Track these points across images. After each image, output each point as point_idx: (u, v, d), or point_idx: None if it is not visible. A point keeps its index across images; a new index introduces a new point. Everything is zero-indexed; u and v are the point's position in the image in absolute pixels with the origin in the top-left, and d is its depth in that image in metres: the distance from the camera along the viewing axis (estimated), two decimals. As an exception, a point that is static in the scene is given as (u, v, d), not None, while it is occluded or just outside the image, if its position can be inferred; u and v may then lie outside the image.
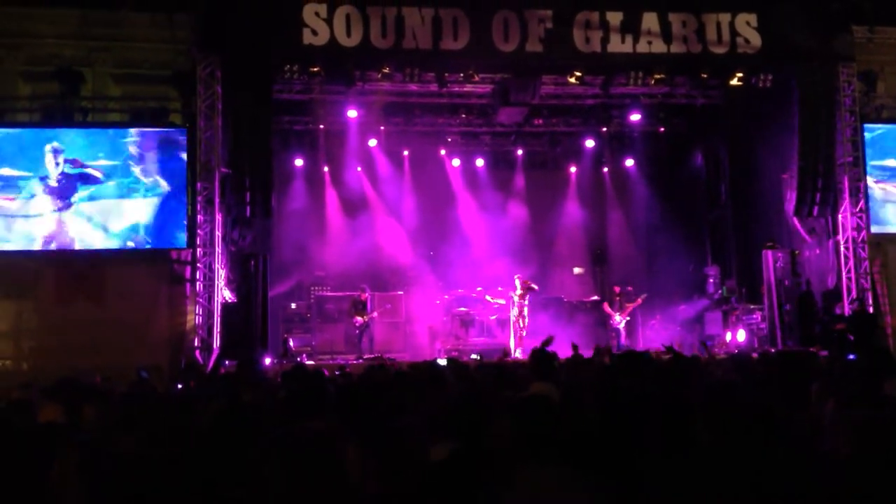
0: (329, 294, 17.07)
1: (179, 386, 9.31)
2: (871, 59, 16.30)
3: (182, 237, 13.78)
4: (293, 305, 16.74)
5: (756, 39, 14.06)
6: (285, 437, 1.90)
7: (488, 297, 16.21)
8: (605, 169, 19.71)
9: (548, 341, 8.61)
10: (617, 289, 16.56)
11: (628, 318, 16.09)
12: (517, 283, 15.67)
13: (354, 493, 1.86)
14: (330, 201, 18.56)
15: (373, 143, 17.90)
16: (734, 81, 14.64)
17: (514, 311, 15.55)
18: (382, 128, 17.50)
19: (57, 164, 13.84)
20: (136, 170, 14.03)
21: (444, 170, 19.01)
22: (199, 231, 13.30)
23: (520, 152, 19.21)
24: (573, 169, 19.57)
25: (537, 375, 5.27)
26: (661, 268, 18.93)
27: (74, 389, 5.30)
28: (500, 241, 18.01)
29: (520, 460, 2.97)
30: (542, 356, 5.66)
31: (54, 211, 13.81)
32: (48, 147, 13.86)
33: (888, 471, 2.30)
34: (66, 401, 4.85)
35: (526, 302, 15.58)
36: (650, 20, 13.91)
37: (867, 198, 14.87)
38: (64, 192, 13.84)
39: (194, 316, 13.21)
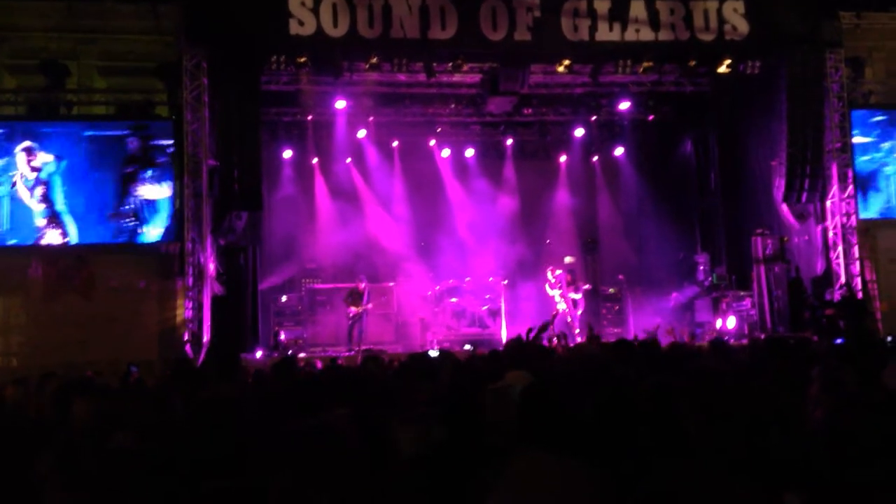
0: (320, 286, 17.03)
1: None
2: (858, 45, 16.35)
3: (170, 230, 13.72)
4: (284, 298, 16.70)
5: (743, 26, 14.06)
6: (301, 430, 1.86)
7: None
8: (595, 158, 19.70)
9: (544, 327, 8.68)
10: (568, 278, 16.51)
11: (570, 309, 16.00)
12: (551, 275, 15.85)
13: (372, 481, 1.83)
14: (319, 193, 18.48)
15: (362, 133, 17.82)
16: (722, 69, 14.63)
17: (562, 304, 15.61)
18: (371, 118, 17.44)
19: (29, 162, 13.77)
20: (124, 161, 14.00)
21: (433, 160, 18.95)
22: (187, 224, 13.22)
23: (509, 142, 19.17)
24: (563, 158, 19.55)
25: (513, 364, 5.25)
26: (652, 255, 18.98)
27: (61, 384, 5.26)
28: (490, 231, 18.01)
29: (515, 448, 2.97)
30: (516, 345, 5.66)
31: (40, 208, 13.78)
32: (18, 148, 13.76)
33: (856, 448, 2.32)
34: (52, 395, 4.82)
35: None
36: (638, 8, 13.89)
37: (855, 183, 14.92)
38: (45, 191, 13.81)
39: (184, 310, 13.15)
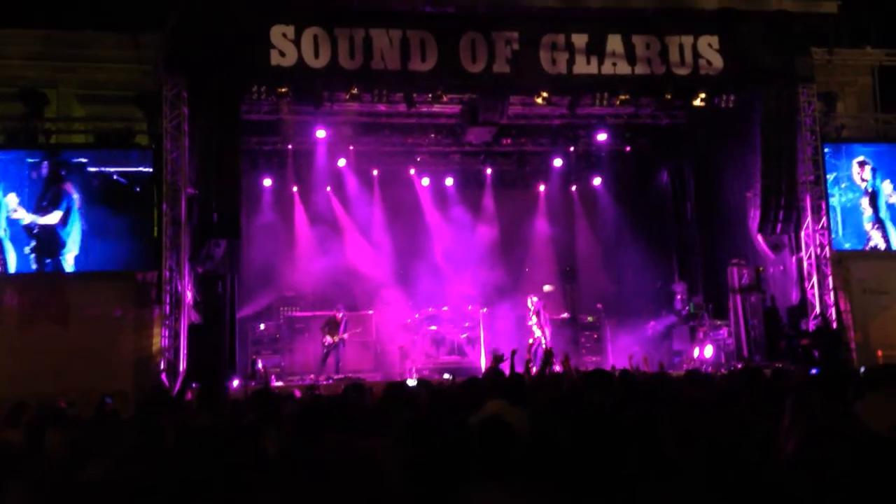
0: (299, 314, 16.96)
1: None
2: (830, 81, 16.70)
3: (148, 259, 13.63)
4: (262, 326, 16.60)
5: (718, 61, 14.33)
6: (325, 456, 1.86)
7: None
8: (574, 188, 19.89)
9: (499, 359, 8.71)
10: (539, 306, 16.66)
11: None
12: (530, 304, 16.04)
13: None
14: (299, 221, 18.48)
15: (342, 162, 17.89)
16: (697, 102, 14.89)
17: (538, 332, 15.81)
18: (351, 147, 17.51)
19: None
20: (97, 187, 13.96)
21: (413, 189, 19.04)
22: (165, 252, 13.14)
23: (489, 171, 19.31)
24: (542, 188, 19.73)
25: (492, 393, 5.27)
26: (630, 284, 19.11)
27: (34, 414, 5.21)
28: (469, 260, 18.07)
29: (476, 479, 2.98)
30: (496, 374, 5.69)
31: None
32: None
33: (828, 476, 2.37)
34: (25, 425, 4.77)
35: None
36: (614, 42, 14.12)
37: (828, 215, 15.13)
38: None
39: (160, 338, 13.02)
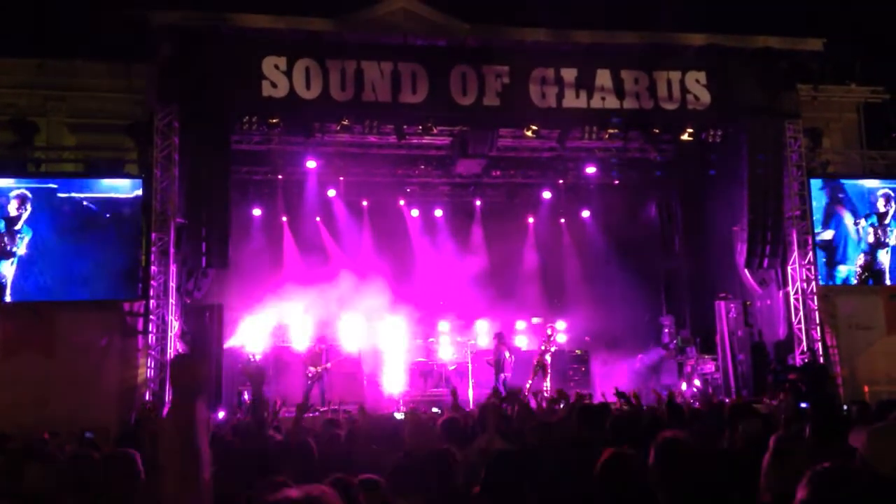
0: (285, 346, 16.83)
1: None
2: (816, 117, 16.89)
3: (135, 288, 13.52)
4: (249, 357, 16.42)
5: (705, 96, 14.51)
6: None
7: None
8: (562, 220, 19.96)
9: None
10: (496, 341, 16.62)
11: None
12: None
13: None
14: (288, 251, 18.42)
15: (332, 193, 17.92)
16: (685, 136, 15.04)
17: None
18: (341, 178, 17.56)
19: None
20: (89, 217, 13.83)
21: (403, 220, 19.07)
22: (152, 282, 13.07)
23: (478, 203, 19.38)
24: (531, 219, 19.79)
25: (483, 428, 5.25)
26: (618, 317, 19.09)
27: (15, 447, 5.13)
28: (458, 291, 18.03)
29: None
30: (488, 409, 5.66)
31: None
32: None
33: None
34: (5, 458, 4.69)
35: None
36: (603, 77, 14.29)
37: (815, 250, 15.20)
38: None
39: (146, 369, 12.89)
